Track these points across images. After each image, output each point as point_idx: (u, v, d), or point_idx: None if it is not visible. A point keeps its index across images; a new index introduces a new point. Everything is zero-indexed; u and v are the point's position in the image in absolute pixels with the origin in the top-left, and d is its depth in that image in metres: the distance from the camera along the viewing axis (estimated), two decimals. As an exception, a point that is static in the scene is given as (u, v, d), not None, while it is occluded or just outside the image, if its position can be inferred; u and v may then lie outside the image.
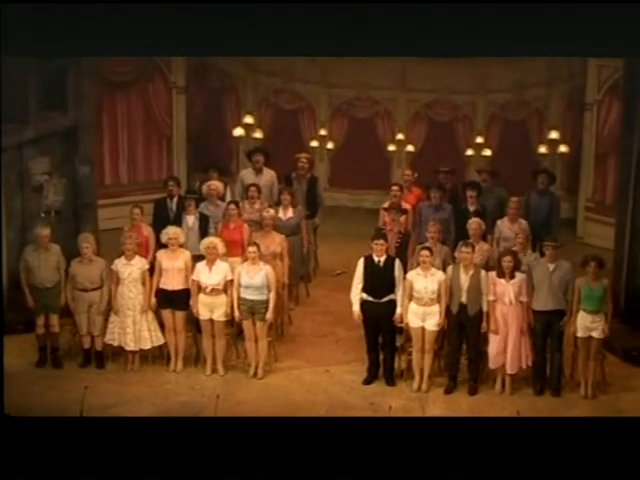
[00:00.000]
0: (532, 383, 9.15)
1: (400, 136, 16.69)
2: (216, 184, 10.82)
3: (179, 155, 15.66)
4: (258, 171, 11.33)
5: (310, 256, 11.71)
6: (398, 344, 9.36)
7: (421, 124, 16.86)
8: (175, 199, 10.61)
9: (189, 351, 9.70)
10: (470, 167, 15.85)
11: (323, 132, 16.74)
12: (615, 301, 9.41)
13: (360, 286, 9.21)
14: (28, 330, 9.63)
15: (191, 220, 10.26)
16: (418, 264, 9.14)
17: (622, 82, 12.01)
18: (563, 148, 15.30)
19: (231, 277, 9.32)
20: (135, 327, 9.46)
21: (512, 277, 8.98)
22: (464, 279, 9.01)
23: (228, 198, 10.99)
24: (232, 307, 9.30)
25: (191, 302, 9.40)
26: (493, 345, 9.05)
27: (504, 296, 8.98)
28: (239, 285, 9.26)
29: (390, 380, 9.28)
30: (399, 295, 9.12)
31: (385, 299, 9.15)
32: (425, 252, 9.08)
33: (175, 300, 9.47)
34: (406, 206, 10.69)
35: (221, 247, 9.38)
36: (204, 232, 10.10)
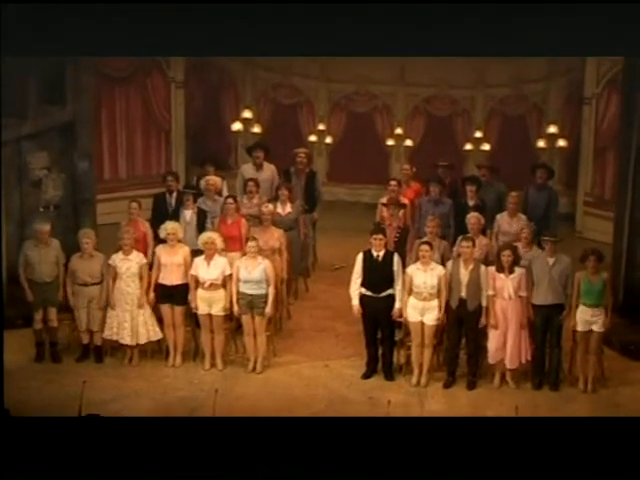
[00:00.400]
0: (531, 378, 9.17)
1: (399, 130, 16.71)
2: (214, 179, 10.83)
3: (177, 150, 15.67)
4: (258, 166, 11.33)
5: (309, 251, 11.72)
6: (397, 339, 9.37)
7: (420, 119, 16.87)
8: (174, 194, 10.61)
9: (188, 346, 9.69)
10: (469, 162, 15.87)
11: (322, 127, 16.76)
12: (613, 295, 9.40)
13: (359, 281, 9.21)
14: (27, 325, 9.63)
15: (189, 215, 10.25)
16: (417, 259, 9.15)
17: (621, 76, 12.01)
18: (562, 142, 15.33)
19: (229, 272, 9.31)
20: (133, 322, 9.46)
21: (511, 272, 8.98)
22: (464, 274, 9.01)
23: (225, 193, 11.00)
24: (231, 302, 9.31)
25: (190, 297, 9.40)
26: (493, 340, 9.06)
27: (503, 291, 8.98)
28: (238, 280, 9.26)
29: (389, 375, 9.29)
30: (398, 290, 9.12)
31: (384, 294, 9.15)
32: (425, 247, 9.08)
33: (174, 295, 9.47)
34: (404, 201, 10.70)
35: (219, 242, 9.37)
36: (202, 227, 10.10)
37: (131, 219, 10.07)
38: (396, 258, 9.19)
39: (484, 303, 9.01)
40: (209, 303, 9.34)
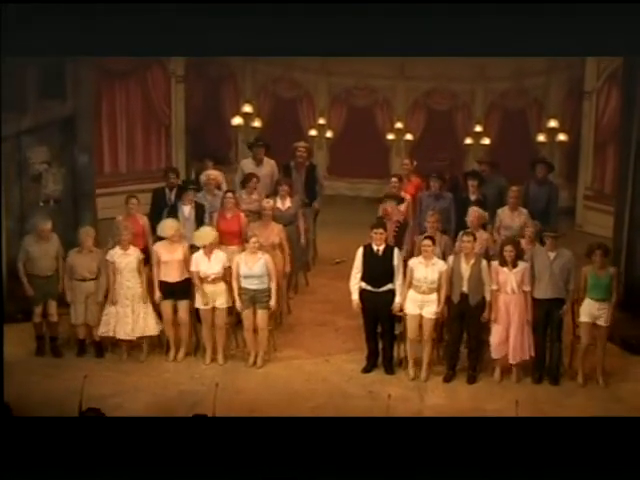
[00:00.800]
0: (531, 372, 9.17)
1: (399, 125, 16.69)
2: (215, 174, 10.82)
3: (178, 144, 15.65)
4: (259, 162, 11.32)
5: (309, 245, 11.70)
6: (397, 333, 9.37)
7: (420, 113, 16.84)
8: (174, 190, 10.60)
9: (188, 340, 9.69)
10: (469, 156, 15.87)
11: (322, 121, 16.74)
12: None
13: (359, 275, 9.21)
14: (27, 319, 9.63)
15: (187, 210, 10.22)
16: (411, 254, 9.13)
17: (621, 70, 12.00)
18: (562, 137, 15.32)
19: (229, 264, 9.32)
20: (133, 316, 9.45)
21: (515, 266, 8.97)
22: (465, 268, 9.01)
23: (224, 187, 10.98)
24: (233, 296, 9.30)
25: (197, 293, 9.35)
26: (495, 335, 9.05)
27: (506, 285, 8.97)
28: (238, 275, 9.26)
29: (389, 369, 9.30)
30: (398, 284, 9.12)
31: (384, 288, 9.15)
32: (427, 242, 9.07)
33: (176, 292, 9.46)
34: (404, 195, 10.69)
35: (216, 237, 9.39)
36: (200, 222, 10.08)
37: (130, 214, 10.05)
38: (396, 252, 9.19)
39: (487, 297, 9.01)
40: (213, 297, 9.35)
